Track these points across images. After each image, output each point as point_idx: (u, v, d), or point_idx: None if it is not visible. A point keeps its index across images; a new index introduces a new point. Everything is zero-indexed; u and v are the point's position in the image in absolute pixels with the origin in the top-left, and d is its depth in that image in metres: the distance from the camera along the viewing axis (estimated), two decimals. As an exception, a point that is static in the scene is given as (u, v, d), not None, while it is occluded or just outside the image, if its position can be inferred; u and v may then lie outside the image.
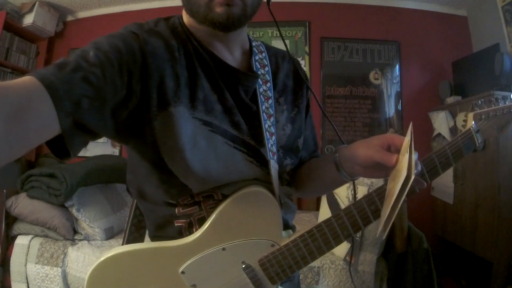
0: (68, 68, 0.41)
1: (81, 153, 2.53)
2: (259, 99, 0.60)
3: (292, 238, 0.56)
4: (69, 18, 3.08)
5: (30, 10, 2.67)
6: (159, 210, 0.58)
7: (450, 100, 2.42)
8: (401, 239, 1.64)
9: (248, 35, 0.66)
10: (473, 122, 0.56)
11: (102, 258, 0.56)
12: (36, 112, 0.36)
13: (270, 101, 0.61)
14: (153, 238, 0.62)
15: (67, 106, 0.38)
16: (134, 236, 0.71)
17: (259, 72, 0.62)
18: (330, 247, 0.55)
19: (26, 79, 0.37)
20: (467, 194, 2.08)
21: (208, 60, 0.56)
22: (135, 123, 0.50)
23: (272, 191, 0.56)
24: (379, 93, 2.73)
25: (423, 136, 2.59)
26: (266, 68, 0.63)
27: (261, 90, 0.61)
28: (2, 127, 0.32)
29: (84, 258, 1.72)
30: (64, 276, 1.73)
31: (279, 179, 0.60)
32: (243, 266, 0.56)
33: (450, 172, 2.23)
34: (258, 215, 0.56)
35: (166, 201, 0.57)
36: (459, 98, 2.35)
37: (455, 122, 2.25)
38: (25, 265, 1.77)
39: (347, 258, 1.63)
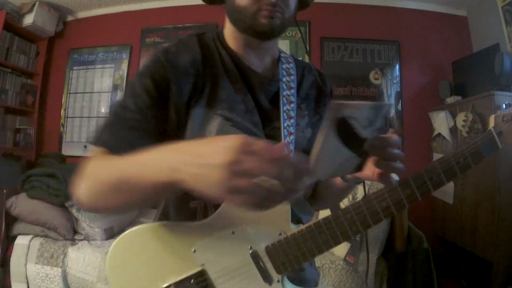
0: (117, 124, 0.57)
1: (81, 153, 2.53)
2: (280, 101, 0.65)
3: (299, 229, 0.57)
4: (69, 18, 3.07)
5: (30, 10, 2.67)
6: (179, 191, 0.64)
7: (450, 100, 2.42)
8: (401, 239, 1.64)
9: (279, 49, 0.74)
10: (493, 124, 0.55)
11: (126, 232, 0.62)
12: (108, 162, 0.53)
13: (292, 104, 0.66)
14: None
15: (123, 151, 0.50)
16: None
17: (284, 79, 0.68)
18: (337, 242, 0.56)
19: (94, 150, 0.56)
20: (467, 194, 2.08)
21: (233, 67, 0.64)
22: (176, 126, 0.61)
23: None
24: (379, 93, 2.73)
25: (423, 136, 2.59)
26: (292, 77, 0.70)
27: (284, 93, 0.67)
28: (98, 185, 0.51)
29: (84, 258, 1.72)
30: (64, 276, 1.73)
31: None
32: (250, 251, 0.58)
33: (450, 172, 2.23)
34: None
35: None
36: (459, 98, 2.35)
37: (455, 122, 2.25)
38: (25, 265, 1.77)
39: (348, 258, 1.64)
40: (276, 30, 0.60)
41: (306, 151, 0.66)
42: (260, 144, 0.37)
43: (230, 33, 0.66)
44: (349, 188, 0.65)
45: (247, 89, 0.63)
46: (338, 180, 0.65)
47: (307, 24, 2.80)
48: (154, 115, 0.57)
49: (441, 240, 2.40)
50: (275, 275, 0.58)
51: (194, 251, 0.59)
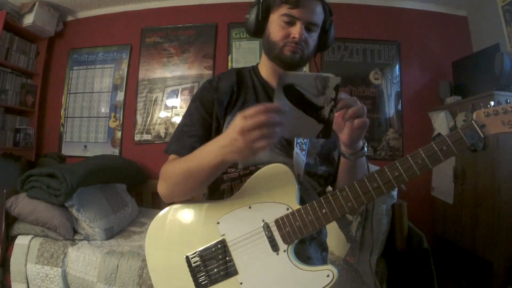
0: (180, 136, 0.80)
1: (81, 153, 2.53)
2: None
3: (304, 205, 0.69)
4: (69, 18, 3.07)
5: (30, 10, 2.67)
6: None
7: (450, 100, 2.42)
8: (401, 239, 1.64)
9: None
10: (476, 117, 0.62)
11: (165, 209, 0.77)
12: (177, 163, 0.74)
13: None
14: None
15: (187, 153, 0.73)
16: None
17: None
18: (334, 215, 0.67)
19: (171, 158, 0.80)
20: (467, 194, 2.08)
21: (261, 88, 0.86)
22: (216, 131, 0.81)
23: (294, 170, 0.74)
24: (379, 93, 2.73)
25: (423, 136, 2.59)
26: None
27: None
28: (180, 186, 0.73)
29: (84, 258, 1.72)
30: (64, 276, 1.73)
31: (311, 175, 0.81)
32: (263, 223, 0.71)
33: (450, 172, 2.23)
34: (279, 184, 0.71)
35: None
36: (459, 98, 2.35)
37: (455, 122, 2.25)
38: (25, 265, 1.77)
39: (347, 258, 1.63)
40: (296, 62, 0.78)
41: (322, 156, 0.83)
42: (251, 109, 0.56)
43: (263, 62, 0.88)
44: (357, 166, 0.75)
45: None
46: (343, 161, 0.77)
47: (307, 24, 2.79)
48: (203, 125, 0.80)
49: (441, 240, 2.40)
50: (282, 245, 0.69)
51: (218, 222, 0.72)
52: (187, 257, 0.73)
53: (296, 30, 0.76)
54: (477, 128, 0.61)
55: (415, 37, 2.77)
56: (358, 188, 0.65)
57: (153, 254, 0.76)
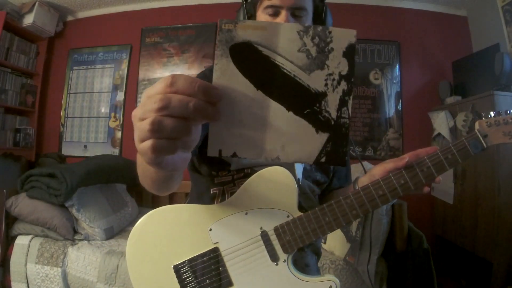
0: None
1: (81, 153, 2.53)
2: None
3: (306, 213, 0.64)
4: (69, 18, 3.07)
5: (30, 10, 2.67)
6: (203, 179, 0.74)
7: (450, 100, 2.42)
8: (401, 239, 1.64)
9: None
10: (478, 126, 0.63)
11: (153, 210, 0.68)
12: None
13: None
14: None
15: None
16: None
17: None
18: (338, 224, 0.63)
19: None
20: (467, 194, 2.08)
21: None
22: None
23: (293, 173, 0.68)
24: (379, 93, 2.73)
25: (423, 136, 2.59)
26: None
27: None
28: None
29: (84, 258, 1.72)
30: (64, 276, 1.73)
31: (307, 179, 0.75)
32: (261, 231, 0.65)
33: (450, 172, 2.23)
34: (278, 189, 0.66)
35: (210, 172, 0.72)
36: (459, 98, 2.35)
37: (455, 122, 2.25)
38: (25, 265, 1.77)
39: (347, 258, 1.63)
40: None
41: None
42: (159, 83, 0.31)
43: None
44: None
45: None
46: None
47: (307, 24, 2.80)
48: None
49: (441, 240, 2.40)
50: (281, 255, 0.64)
51: (211, 229, 0.65)
52: (175, 267, 0.65)
53: (281, 19, 0.69)
54: (481, 138, 0.62)
55: (415, 37, 2.77)
56: (363, 195, 0.62)
57: (136, 266, 0.66)
